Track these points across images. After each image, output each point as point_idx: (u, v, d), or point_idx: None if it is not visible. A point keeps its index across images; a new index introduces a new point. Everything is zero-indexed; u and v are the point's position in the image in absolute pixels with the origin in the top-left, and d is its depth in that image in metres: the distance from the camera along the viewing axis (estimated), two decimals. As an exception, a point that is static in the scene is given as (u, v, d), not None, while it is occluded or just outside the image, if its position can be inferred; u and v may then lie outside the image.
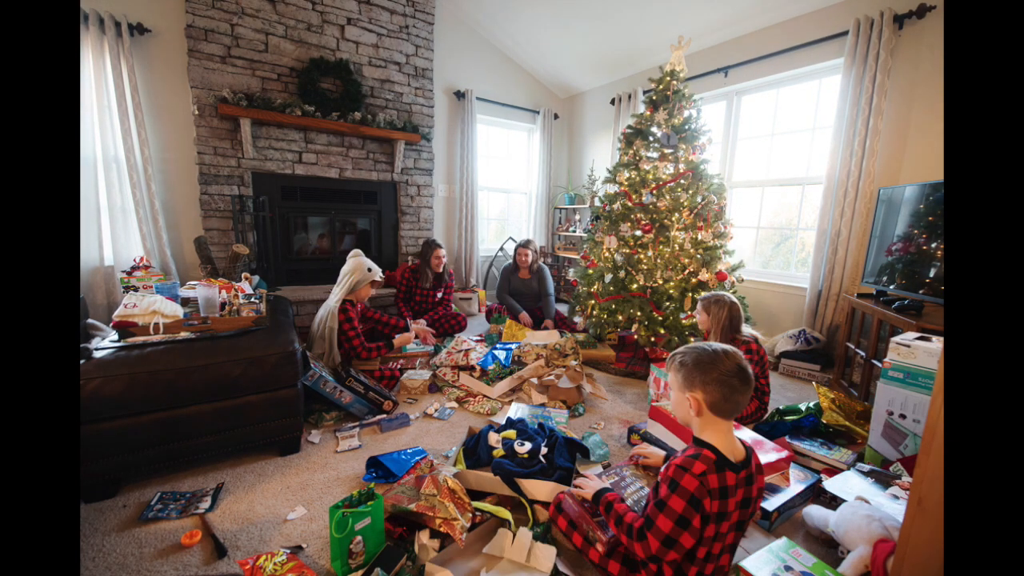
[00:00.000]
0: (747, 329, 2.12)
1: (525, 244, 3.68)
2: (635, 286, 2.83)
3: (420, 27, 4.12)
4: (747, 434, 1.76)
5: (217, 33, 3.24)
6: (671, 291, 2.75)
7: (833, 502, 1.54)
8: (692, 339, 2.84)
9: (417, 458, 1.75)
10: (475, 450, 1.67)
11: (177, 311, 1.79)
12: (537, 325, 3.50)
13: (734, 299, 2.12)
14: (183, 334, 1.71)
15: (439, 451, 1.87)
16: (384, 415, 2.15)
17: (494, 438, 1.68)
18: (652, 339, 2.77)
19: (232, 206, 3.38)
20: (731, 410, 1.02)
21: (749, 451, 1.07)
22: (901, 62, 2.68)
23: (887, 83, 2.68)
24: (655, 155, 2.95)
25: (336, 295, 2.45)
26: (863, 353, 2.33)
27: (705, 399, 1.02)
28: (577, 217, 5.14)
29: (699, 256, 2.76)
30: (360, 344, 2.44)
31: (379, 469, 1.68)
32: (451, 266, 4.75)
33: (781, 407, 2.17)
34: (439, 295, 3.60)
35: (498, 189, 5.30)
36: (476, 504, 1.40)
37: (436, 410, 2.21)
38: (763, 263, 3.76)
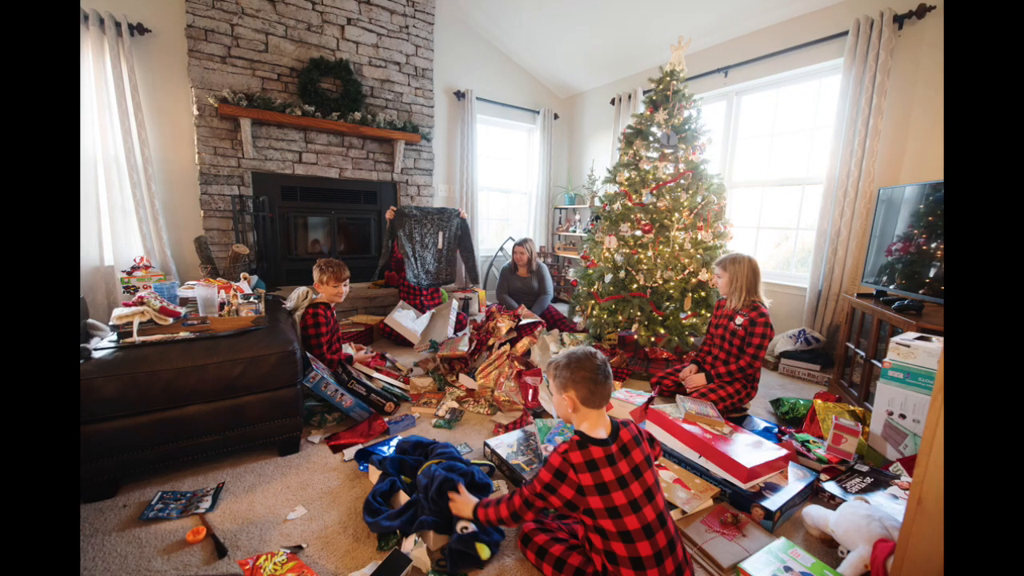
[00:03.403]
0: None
1: (522, 242, 3.67)
2: (635, 286, 2.83)
3: (420, 27, 4.12)
4: (749, 437, 1.76)
5: (217, 33, 3.24)
6: (671, 291, 2.75)
7: (832, 501, 1.54)
8: (692, 339, 2.84)
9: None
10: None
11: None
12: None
13: (751, 256, 2.13)
14: (182, 334, 1.71)
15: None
16: (386, 416, 2.15)
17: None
18: (652, 339, 2.77)
19: (232, 206, 3.38)
20: (599, 402, 1.18)
21: (616, 427, 1.19)
22: (901, 62, 2.68)
23: (887, 83, 2.68)
24: (655, 155, 2.95)
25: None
26: (863, 353, 2.33)
27: (577, 396, 1.18)
28: (577, 217, 5.14)
29: (699, 256, 2.76)
30: (319, 354, 2.24)
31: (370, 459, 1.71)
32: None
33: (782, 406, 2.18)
34: (430, 293, 3.65)
35: (498, 189, 5.30)
36: None
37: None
38: (763, 263, 3.75)
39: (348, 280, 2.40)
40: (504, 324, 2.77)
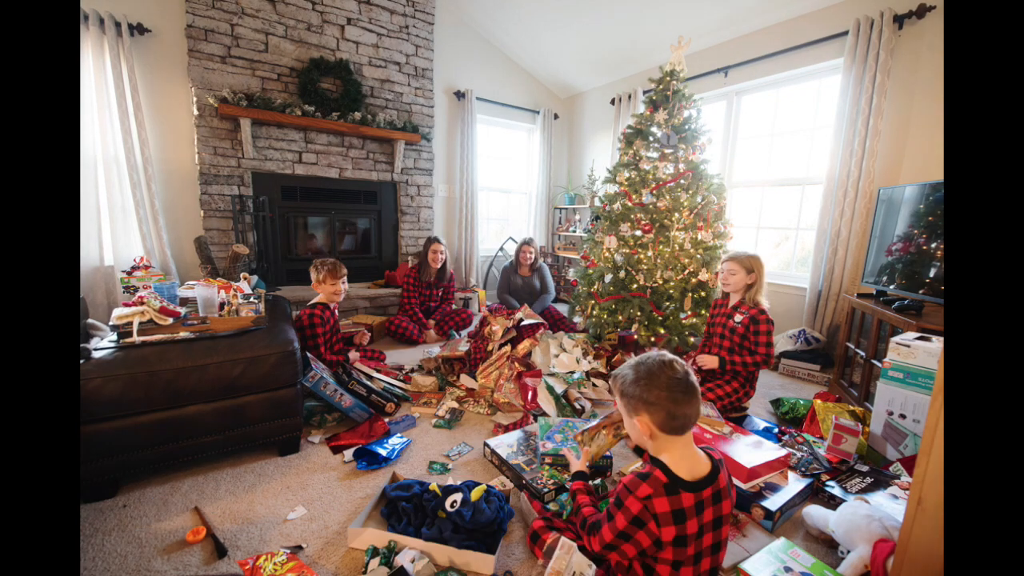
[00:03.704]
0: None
1: (528, 242, 3.71)
2: (635, 286, 2.83)
3: (420, 27, 4.12)
4: (749, 437, 1.76)
5: (217, 33, 3.24)
6: (671, 291, 2.75)
7: (832, 501, 1.54)
8: (692, 339, 2.84)
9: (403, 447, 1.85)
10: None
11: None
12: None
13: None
14: (182, 334, 1.71)
15: (440, 451, 1.87)
16: (387, 417, 2.15)
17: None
18: (652, 339, 2.77)
19: (232, 206, 3.38)
20: (681, 426, 0.95)
21: (716, 465, 0.98)
22: (901, 62, 2.68)
23: (887, 83, 2.68)
24: (655, 155, 2.95)
25: None
26: (863, 353, 2.33)
27: (653, 421, 0.95)
28: (577, 217, 5.14)
29: (699, 256, 2.76)
30: (317, 355, 2.24)
31: (369, 457, 1.73)
32: (451, 266, 4.74)
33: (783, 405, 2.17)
34: (439, 294, 3.60)
35: (498, 189, 5.30)
36: None
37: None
38: (763, 263, 3.75)
39: (345, 278, 2.40)
40: (499, 326, 2.76)
